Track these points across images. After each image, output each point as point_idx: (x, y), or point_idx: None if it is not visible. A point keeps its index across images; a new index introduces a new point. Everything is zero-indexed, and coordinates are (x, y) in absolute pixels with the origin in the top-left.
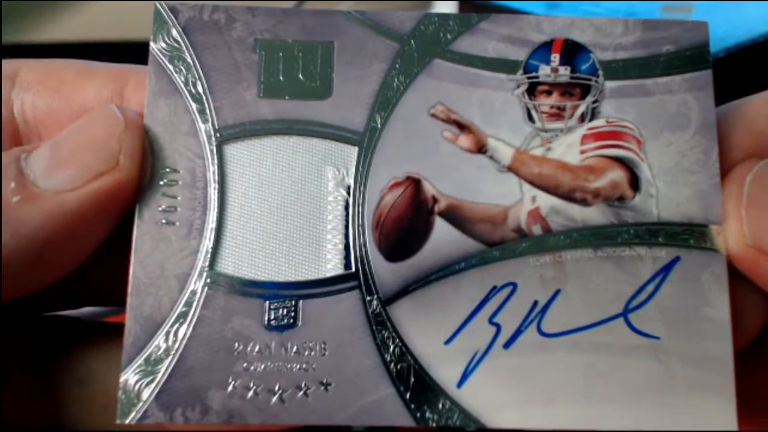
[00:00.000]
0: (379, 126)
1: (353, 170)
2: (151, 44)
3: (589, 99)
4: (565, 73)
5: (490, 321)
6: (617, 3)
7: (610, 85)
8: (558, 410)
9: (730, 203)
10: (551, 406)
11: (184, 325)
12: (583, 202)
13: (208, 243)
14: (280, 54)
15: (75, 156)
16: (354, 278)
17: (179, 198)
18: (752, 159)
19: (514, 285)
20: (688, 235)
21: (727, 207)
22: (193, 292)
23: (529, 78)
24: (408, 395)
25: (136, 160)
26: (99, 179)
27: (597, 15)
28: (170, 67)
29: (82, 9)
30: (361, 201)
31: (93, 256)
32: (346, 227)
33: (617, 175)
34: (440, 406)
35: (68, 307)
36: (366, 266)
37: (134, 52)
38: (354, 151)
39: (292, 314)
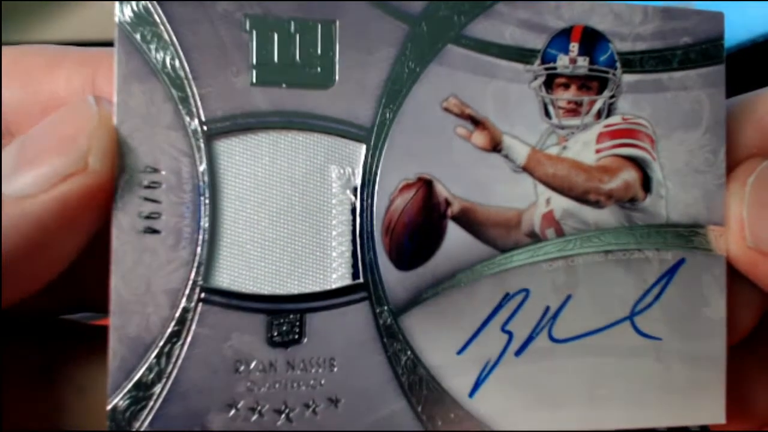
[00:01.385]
0: (388, 120)
1: (360, 170)
2: (117, 14)
3: (607, 94)
4: (583, 64)
5: (503, 329)
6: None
7: (627, 79)
8: (565, 413)
9: (732, 204)
10: (558, 409)
11: (178, 345)
12: (596, 204)
13: (200, 254)
14: (275, 33)
15: (40, 156)
16: (363, 289)
17: (163, 203)
18: (755, 159)
19: (527, 291)
20: (693, 236)
21: (729, 207)
22: (186, 309)
23: (546, 69)
24: (420, 408)
25: (108, 159)
26: (65, 182)
27: None
28: (143, 45)
29: (82, 9)
30: (369, 204)
31: (86, 261)
32: (354, 234)
33: (630, 175)
34: (452, 415)
35: (60, 313)
36: (375, 275)
37: None
38: (361, 148)
39: (297, 329)
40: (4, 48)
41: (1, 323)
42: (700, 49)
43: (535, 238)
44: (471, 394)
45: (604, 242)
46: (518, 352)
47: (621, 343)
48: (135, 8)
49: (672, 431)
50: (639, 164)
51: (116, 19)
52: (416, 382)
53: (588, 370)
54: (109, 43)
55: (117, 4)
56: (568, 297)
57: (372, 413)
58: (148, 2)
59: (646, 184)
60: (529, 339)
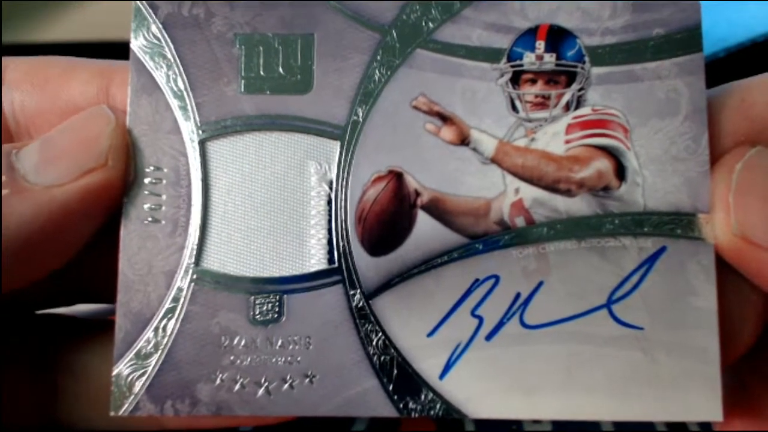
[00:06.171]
0: (360, 119)
1: (335, 165)
2: (132, 41)
3: (575, 87)
4: (550, 60)
5: (473, 313)
6: None
7: (596, 71)
8: (540, 400)
9: (718, 191)
10: (533, 395)
11: (172, 321)
12: (568, 193)
13: (193, 240)
14: (260, 48)
15: (65, 153)
16: (337, 273)
17: (164, 196)
18: (744, 146)
19: (497, 277)
20: (675, 224)
21: (715, 195)
22: (180, 289)
23: (513, 66)
24: (391, 387)
25: (123, 158)
26: (88, 175)
27: None
28: (151, 63)
29: (82, 9)
30: (343, 196)
31: (82, 253)
32: (329, 222)
33: (603, 164)
34: (423, 397)
35: (60, 304)
36: (349, 261)
37: None
38: (336, 145)
39: (277, 309)
40: (24, 58)
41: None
42: (675, 38)
43: (504, 226)
44: (441, 376)
45: (577, 229)
46: (489, 337)
47: (599, 332)
48: (146, 36)
49: (671, 429)
50: (612, 153)
51: (131, 45)
52: (387, 362)
53: (563, 357)
54: (108, 43)
55: (132, 32)
56: (540, 283)
57: (345, 390)
58: (157, 31)
59: (621, 172)
60: (500, 324)
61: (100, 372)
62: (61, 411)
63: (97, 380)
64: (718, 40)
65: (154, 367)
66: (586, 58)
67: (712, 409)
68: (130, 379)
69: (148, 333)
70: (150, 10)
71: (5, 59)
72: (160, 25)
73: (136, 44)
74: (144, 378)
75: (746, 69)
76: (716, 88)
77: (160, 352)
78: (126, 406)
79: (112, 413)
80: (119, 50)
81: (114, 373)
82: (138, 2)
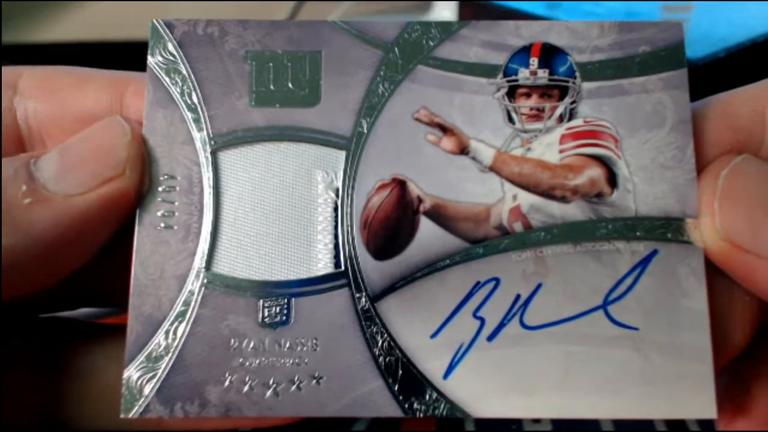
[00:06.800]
0: (365, 131)
1: (341, 173)
2: (149, 58)
3: (567, 100)
4: (543, 75)
5: (475, 315)
6: (617, 3)
7: (587, 86)
8: (540, 399)
9: (705, 197)
10: (533, 395)
11: (183, 324)
12: (563, 199)
13: (204, 245)
14: (270, 64)
15: (84, 162)
16: (343, 276)
17: (177, 203)
18: (730, 154)
19: (497, 280)
20: (666, 228)
21: (702, 201)
22: (191, 292)
23: (508, 81)
24: (396, 387)
25: (139, 168)
26: (106, 185)
27: (598, 15)
28: (167, 79)
29: (82, 9)
30: (349, 203)
31: (92, 258)
32: (336, 228)
33: (595, 172)
34: (427, 397)
35: (67, 307)
36: (355, 265)
37: (134, 52)
38: (342, 155)
39: (285, 312)
40: (38, 67)
41: (3, 318)
42: (661, 55)
43: (503, 231)
44: (445, 376)
45: (572, 234)
46: (490, 338)
47: (595, 332)
48: (162, 53)
49: (671, 428)
50: (604, 162)
51: (148, 61)
52: (392, 363)
53: (562, 357)
54: (109, 44)
55: (149, 49)
56: (539, 285)
57: (352, 390)
58: (173, 48)
59: (612, 180)
60: (501, 325)
61: (106, 374)
62: (66, 412)
63: (103, 382)
64: (718, 40)
65: (164, 369)
66: (577, 74)
67: (705, 407)
68: (140, 381)
69: (159, 336)
70: (166, 29)
71: (19, 67)
72: (176, 43)
73: (153, 61)
74: (154, 380)
75: (746, 69)
76: (701, 101)
77: (170, 354)
78: (136, 408)
79: (122, 415)
80: (120, 50)
81: (125, 375)
82: (155, 21)
